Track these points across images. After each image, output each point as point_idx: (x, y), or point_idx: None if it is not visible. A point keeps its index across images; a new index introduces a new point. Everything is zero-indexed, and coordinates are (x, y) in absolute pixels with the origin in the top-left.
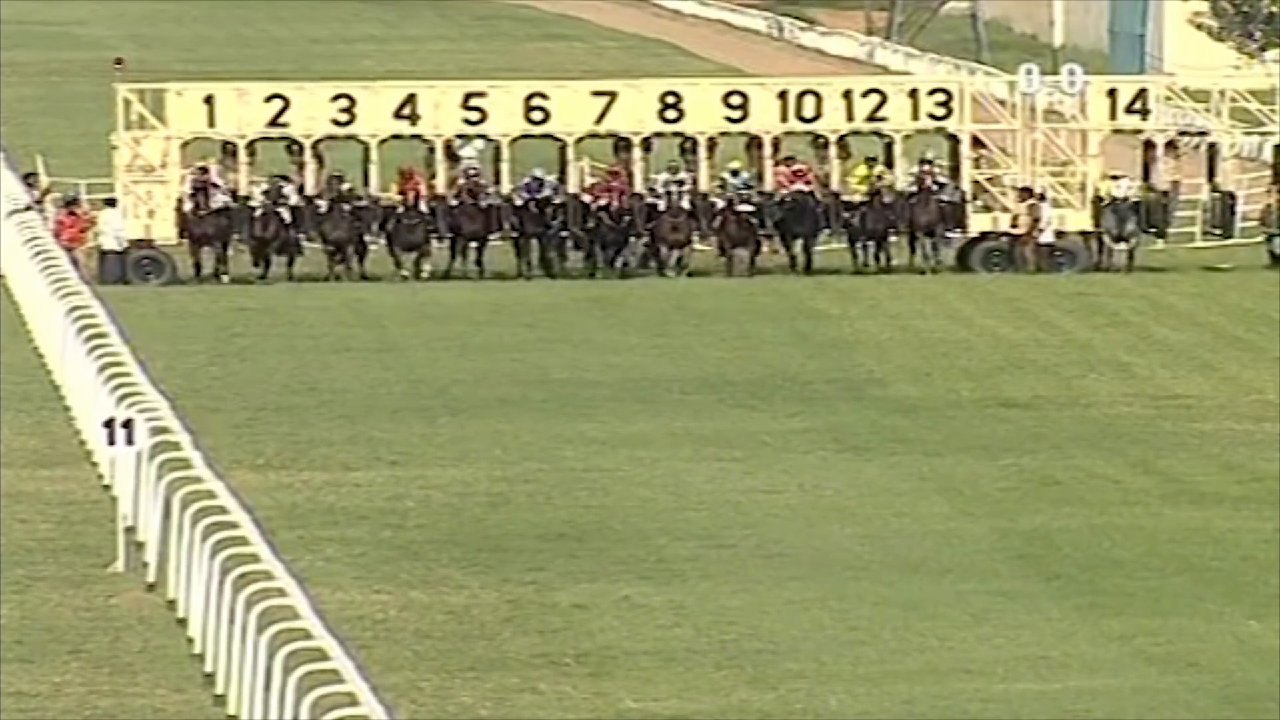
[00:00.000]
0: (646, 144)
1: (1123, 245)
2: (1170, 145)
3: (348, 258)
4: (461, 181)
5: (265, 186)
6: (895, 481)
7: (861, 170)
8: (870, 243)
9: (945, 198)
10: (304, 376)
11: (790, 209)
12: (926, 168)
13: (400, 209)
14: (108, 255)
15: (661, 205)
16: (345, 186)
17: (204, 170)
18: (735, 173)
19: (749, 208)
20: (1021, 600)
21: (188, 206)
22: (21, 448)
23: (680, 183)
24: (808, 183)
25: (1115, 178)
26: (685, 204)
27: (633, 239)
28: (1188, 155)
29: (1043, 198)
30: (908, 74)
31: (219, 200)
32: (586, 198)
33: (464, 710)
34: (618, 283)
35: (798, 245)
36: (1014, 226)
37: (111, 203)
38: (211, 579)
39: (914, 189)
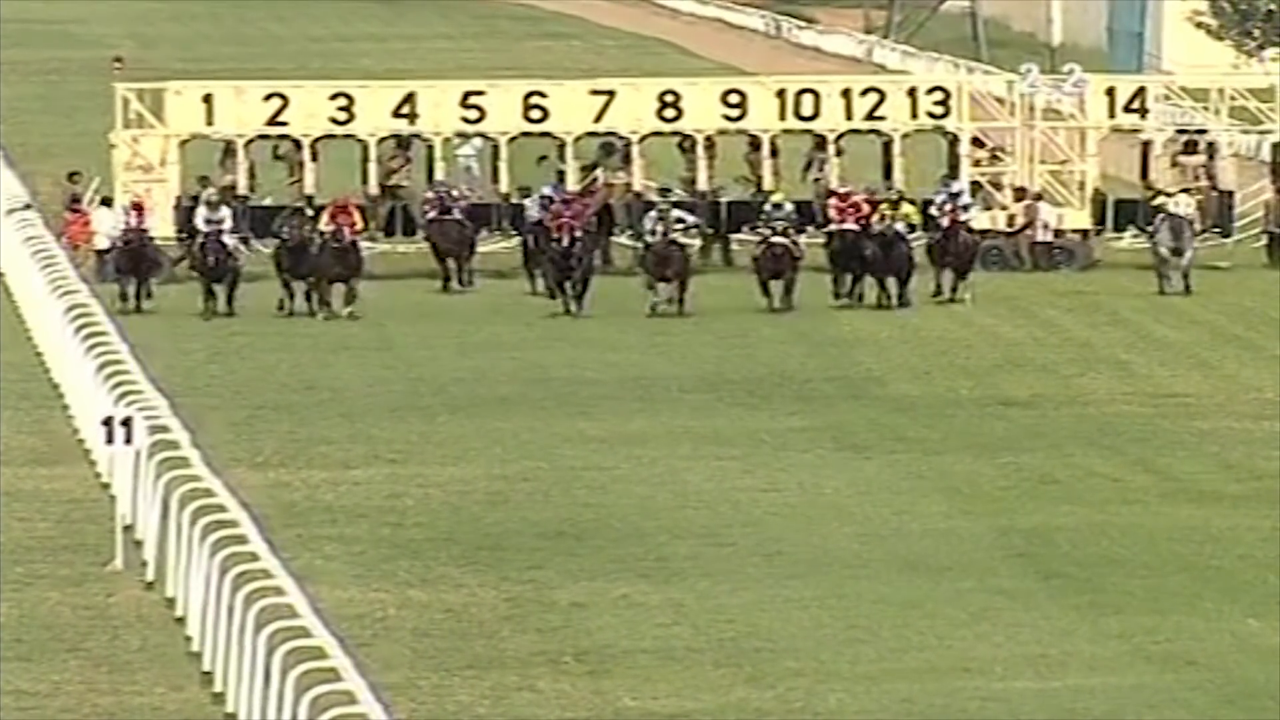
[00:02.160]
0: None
1: (1179, 260)
2: (1190, 146)
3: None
4: (431, 195)
5: (207, 214)
6: (894, 480)
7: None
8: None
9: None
10: (303, 375)
11: (847, 247)
12: (951, 203)
13: (328, 239)
14: (104, 254)
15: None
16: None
17: (138, 209)
18: (778, 206)
19: (785, 240)
20: (1020, 599)
21: (117, 237)
22: (20, 446)
23: (675, 221)
24: (865, 216)
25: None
26: (676, 237)
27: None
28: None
29: (1039, 197)
30: (906, 73)
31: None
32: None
33: (462, 708)
34: (617, 280)
35: (848, 282)
36: (1011, 225)
37: (107, 202)
38: (210, 577)
39: (943, 225)
